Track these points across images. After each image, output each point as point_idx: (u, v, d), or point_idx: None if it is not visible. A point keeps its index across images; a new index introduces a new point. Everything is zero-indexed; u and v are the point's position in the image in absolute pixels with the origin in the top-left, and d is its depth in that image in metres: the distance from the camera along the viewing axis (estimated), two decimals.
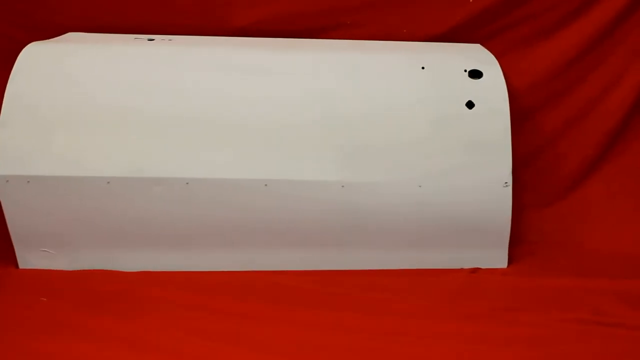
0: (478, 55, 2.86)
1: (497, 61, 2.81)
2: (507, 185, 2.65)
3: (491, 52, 2.88)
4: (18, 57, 2.67)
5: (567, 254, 2.86)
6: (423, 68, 2.75)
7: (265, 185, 2.59)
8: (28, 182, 2.53)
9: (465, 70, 2.75)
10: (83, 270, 2.62)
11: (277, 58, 2.77)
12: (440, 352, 2.20)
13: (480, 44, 2.98)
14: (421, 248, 2.69)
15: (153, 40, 2.86)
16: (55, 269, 2.63)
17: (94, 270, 2.62)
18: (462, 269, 2.70)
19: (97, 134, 2.58)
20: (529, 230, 2.98)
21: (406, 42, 3.01)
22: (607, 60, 3.03)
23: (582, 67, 3.03)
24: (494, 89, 2.73)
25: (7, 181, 2.53)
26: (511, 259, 2.76)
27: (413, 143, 2.66)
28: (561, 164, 3.05)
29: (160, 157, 2.58)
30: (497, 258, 2.73)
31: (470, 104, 2.69)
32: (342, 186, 2.60)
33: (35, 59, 2.69)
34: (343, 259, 2.69)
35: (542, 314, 2.39)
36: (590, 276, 2.65)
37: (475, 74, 2.74)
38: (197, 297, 2.46)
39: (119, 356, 2.13)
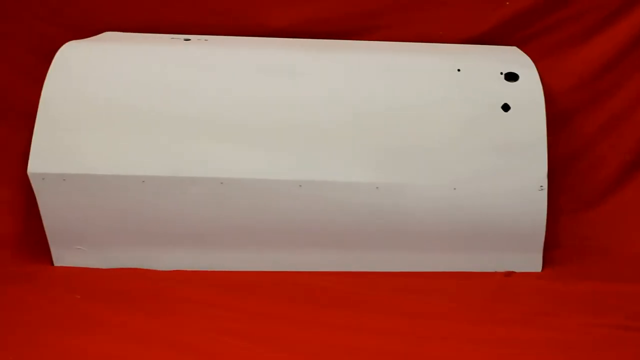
0: (514, 57, 2.85)
1: (533, 64, 2.79)
2: (542, 189, 2.63)
3: (528, 54, 2.86)
4: (55, 56, 2.69)
5: (602, 259, 2.83)
6: (459, 70, 2.74)
7: (300, 186, 2.59)
8: (64, 180, 2.55)
9: (502, 73, 2.74)
10: (117, 268, 2.64)
11: (312, 59, 2.77)
12: (473, 355, 2.19)
13: (517, 47, 2.96)
14: (455, 251, 2.68)
15: (189, 40, 2.87)
16: (89, 266, 2.65)
17: (127, 268, 2.64)
18: (496, 272, 2.69)
19: (133, 133, 2.59)
20: (564, 234, 2.96)
21: (442, 44, 3.00)
22: None
23: (619, 70, 3.00)
24: (530, 91, 2.72)
25: (43, 179, 2.55)
26: (545, 263, 2.74)
27: (448, 145, 2.65)
28: (598, 168, 3.03)
29: (195, 156, 2.59)
30: (531, 262, 2.72)
31: (506, 107, 2.68)
32: (377, 188, 2.60)
33: (72, 58, 2.71)
34: (376, 260, 2.69)
35: (576, 319, 2.36)
36: (625, 281, 2.63)
37: (511, 77, 2.73)
38: (228, 296, 2.46)
39: (151, 354, 2.13)
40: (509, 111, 2.68)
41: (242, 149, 2.60)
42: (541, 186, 2.63)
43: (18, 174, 2.80)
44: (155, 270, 2.62)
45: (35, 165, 2.55)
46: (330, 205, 2.62)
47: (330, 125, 2.65)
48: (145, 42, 2.85)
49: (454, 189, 2.62)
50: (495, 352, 2.19)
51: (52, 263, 2.67)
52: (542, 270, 2.73)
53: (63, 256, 2.66)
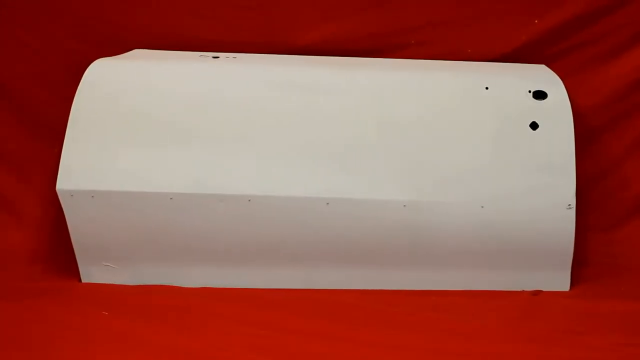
0: (543, 75, 2.84)
1: (562, 82, 2.78)
2: (570, 208, 2.62)
3: (556, 73, 2.85)
4: (85, 73, 2.71)
5: (631, 278, 2.81)
6: (487, 88, 2.74)
7: (327, 203, 2.58)
8: (92, 196, 2.56)
9: (530, 91, 2.73)
10: (144, 285, 2.64)
11: (341, 77, 2.77)
12: None
13: (545, 65, 2.95)
14: (482, 269, 2.67)
15: (218, 57, 2.88)
16: (117, 283, 2.65)
17: (155, 285, 2.64)
18: (523, 291, 2.67)
19: (161, 150, 2.60)
20: (593, 253, 2.94)
21: (470, 62, 3.00)
22: None
23: None
24: (558, 110, 2.71)
25: (72, 195, 2.56)
26: (574, 282, 2.72)
27: (476, 163, 2.64)
28: (626, 186, 3.02)
29: (223, 174, 2.59)
30: (559, 280, 2.70)
31: (534, 125, 2.67)
32: (404, 205, 2.60)
33: (102, 75, 2.72)
34: (403, 278, 2.68)
35: (605, 338, 2.34)
36: None
37: (539, 95, 2.72)
38: (257, 314, 2.46)
39: None
40: (537, 129, 2.67)
41: (269, 167, 2.60)
42: (569, 205, 2.62)
43: (47, 191, 2.82)
44: (183, 287, 2.62)
45: (64, 182, 2.56)
46: (357, 223, 2.61)
47: (357, 142, 2.65)
48: (174, 60, 2.86)
49: (482, 207, 2.61)
50: None
51: (79, 279, 2.67)
52: (570, 289, 2.71)
53: (91, 273, 2.66)
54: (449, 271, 2.67)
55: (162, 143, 2.61)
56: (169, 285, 2.64)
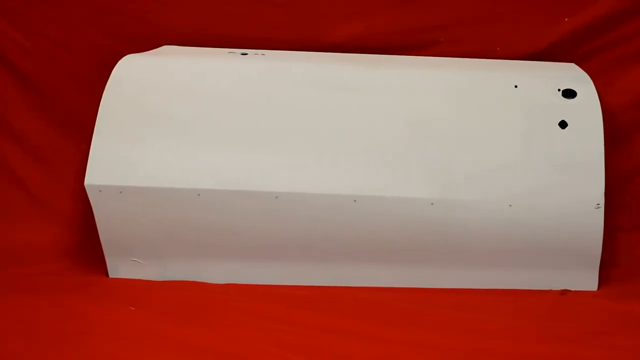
0: (572, 74, 2.83)
1: (591, 81, 2.77)
2: (599, 207, 2.61)
3: (586, 71, 2.84)
4: (114, 69, 2.72)
5: None
6: (516, 86, 2.73)
7: (354, 201, 2.58)
8: (120, 192, 2.57)
9: (559, 90, 2.72)
10: (171, 280, 2.65)
11: (369, 74, 2.77)
12: None
13: (575, 64, 2.94)
14: (510, 268, 2.66)
15: (246, 54, 2.89)
16: (144, 278, 2.66)
17: (182, 281, 2.65)
18: (550, 290, 2.66)
19: (189, 146, 2.61)
20: (621, 253, 2.92)
21: (499, 60, 2.98)
22: None
23: None
24: (588, 109, 2.70)
25: (100, 191, 2.57)
26: (602, 282, 2.71)
27: (504, 161, 2.64)
28: None
29: (250, 170, 2.60)
30: (587, 280, 2.69)
31: (563, 124, 2.66)
32: (432, 204, 2.59)
33: (131, 71, 2.74)
34: (431, 276, 2.68)
35: (633, 339, 2.33)
36: None
37: (568, 94, 2.71)
38: (284, 310, 2.46)
39: None
40: (566, 128, 2.66)
41: (297, 163, 2.61)
42: (598, 204, 2.61)
43: (76, 186, 2.84)
44: (209, 283, 2.63)
45: (93, 177, 2.57)
46: (384, 220, 2.61)
47: (385, 140, 2.65)
48: (203, 56, 2.87)
49: (510, 205, 2.60)
50: None
51: (107, 274, 2.69)
52: (598, 289, 2.70)
53: (118, 268, 2.67)
54: (476, 269, 2.67)
55: (189, 139, 2.62)
56: (195, 281, 2.64)
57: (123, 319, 2.37)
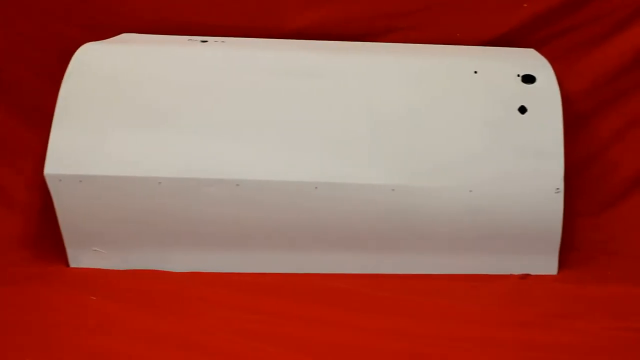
0: (531, 60, 2.84)
1: (550, 66, 2.78)
2: (558, 192, 2.63)
3: (545, 57, 2.85)
4: (73, 57, 2.70)
5: (619, 262, 2.82)
6: (475, 72, 2.74)
7: (316, 188, 2.59)
8: (80, 181, 2.55)
9: (518, 75, 2.73)
10: (133, 269, 2.64)
11: (329, 61, 2.77)
12: (490, 357, 2.18)
13: (534, 49, 2.96)
14: (471, 253, 2.68)
15: (206, 41, 2.88)
16: (105, 268, 2.65)
17: (144, 270, 2.64)
18: (511, 275, 2.68)
19: (150, 135, 2.60)
20: (581, 237, 2.95)
21: (459, 46, 2.99)
22: None
23: (637, 72, 2.99)
24: (547, 94, 2.71)
25: (60, 180, 2.55)
26: (562, 266, 2.73)
27: (464, 147, 2.65)
28: (614, 171, 3.02)
29: (211, 158, 2.60)
30: (547, 264, 2.71)
31: (522, 109, 2.67)
32: (393, 190, 2.60)
33: (90, 59, 2.72)
34: (392, 263, 2.68)
35: (593, 322, 2.36)
36: None
37: (528, 79, 2.73)
38: (247, 298, 2.46)
39: (166, 355, 2.13)
40: (526, 113, 2.67)
41: (258, 151, 2.61)
42: (557, 189, 2.63)
43: (35, 176, 2.82)
44: (172, 272, 2.62)
45: (52, 166, 2.55)
46: (346, 207, 2.61)
47: (346, 127, 2.65)
48: (162, 44, 2.85)
49: (470, 191, 2.62)
50: (512, 355, 2.19)
51: (67, 264, 2.67)
52: (558, 273, 2.72)
53: (79, 257, 2.66)
54: (437, 255, 2.68)
55: (150, 127, 2.61)
56: (157, 270, 2.63)
57: (84, 308, 2.37)
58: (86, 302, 2.40)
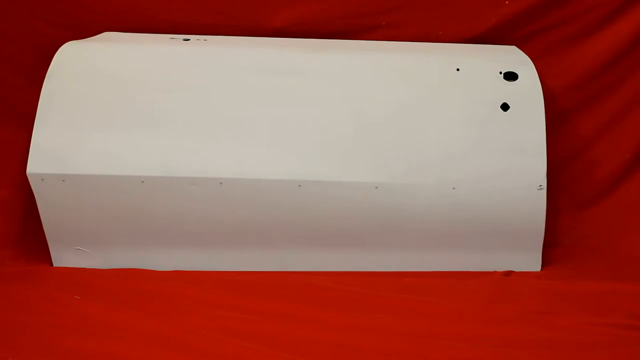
0: (513, 57, 2.85)
1: (532, 63, 2.79)
2: (541, 188, 2.63)
3: (527, 54, 2.86)
4: (54, 56, 2.70)
5: (602, 258, 2.84)
6: (458, 70, 2.75)
7: (299, 186, 2.59)
8: (63, 180, 2.55)
9: (501, 73, 2.74)
10: (117, 269, 2.64)
11: (312, 59, 2.77)
12: (473, 354, 2.18)
13: (516, 46, 2.96)
14: (454, 250, 2.69)
15: (188, 40, 2.87)
16: (89, 267, 2.64)
17: (127, 269, 2.63)
18: (495, 272, 2.69)
19: (132, 134, 2.59)
20: (564, 233, 2.97)
21: (441, 43, 3.00)
22: None
23: (619, 69, 3.01)
24: (529, 91, 2.72)
25: (42, 179, 2.54)
26: (545, 263, 2.74)
27: (446, 145, 2.65)
28: (597, 167, 3.03)
29: (194, 157, 2.59)
30: (530, 261, 2.72)
31: (505, 106, 2.68)
32: (376, 187, 2.60)
33: (72, 58, 2.71)
34: (375, 260, 2.69)
35: (576, 318, 2.36)
36: (625, 280, 2.62)
37: (510, 76, 2.73)
38: (230, 296, 2.46)
39: (151, 354, 2.12)
40: (508, 110, 2.68)
41: (241, 149, 2.60)
42: (540, 185, 2.63)
43: (17, 175, 2.81)
44: (155, 271, 2.62)
45: (35, 165, 2.55)
46: (329, 205, 2.62)
47: (329, 124, 2.65)
48: (144, 42, 2.85)
49: (453, 188, 2.62)
50: (496, 352, 2.19)
51: (51, 263, 2.66)
52: (541, 270, 2.74)
53: (62, 257, 2.66)
54: (420, 252, 2.69)
55: (133, 126, 2.60)
56: (140, 269, 2.63)
57: (68, 307, 2.36)
58: (70, 301, 2.39)
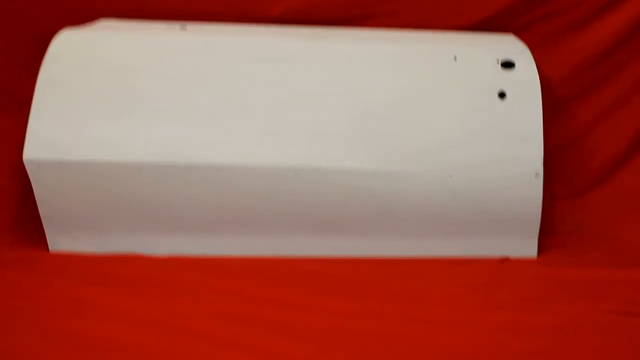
0: (511, 45, 2.85)
1: (530, 52, 2.79)
2: (538, 176, 2.64)
3: (524, 42, 2.86)
4: (51, 43, 2.70)
5: (599, 245, 2.83)
6: (455, 58, 2.75)
7: (296, 173, 2.59)
8: (60, 166, 2.55)
9: (498, 61, 2.74)
10: (113, 253, 2.64)
11: (307, 47, 2.77)
12: (470, 340, 2.18)
13: (514, 35, 2.96)
14: (450, 237, 2.69)
15: (185, 27, 2.87)
16: (85, 252, 2.64)
17: (124, 254, 2.64)
18: (491, 258, 2.69)
19: (129, 120, 2.60)
20: (560, 221, 2.96)
21: (439, 32, 2.99)
22: None
23: (617, 58, 3.00)
24: (526, 79, 2.72)
25: (39, 166, 2.55)
26: (541, 249, 2.74)
27: (444, 132, 2.65)
28: (594, 156, 3.03)
29: (191, 143, 2.60)
30: (527, 248, 2.72)
31: (502, 94, 2.68)
32: (373, 175, 2.60)
33: (68, 45, 2.71)
34: (372, 246, 2.69)
35: (573, 304, 2.36)
36: (622, 267, 2.62)
37: (507, 65, 2.74)
38: (227, 282, 2.46)
39: (148, 339, 2.12)
40: (505, 99, 2.68)
41: (238, 137, 2.61)
42: (537, 173, 2.64)
43: (14, 161, 2.80)
44: (151, 256, 2.62)
45: (31, 152, 2.55)
46: (326, 192, 2.62)
47: (325, 112, 2.65)
48: (141, 30, 2.85)
49: (450, 176, 2.63)
50: (493, 337, 2.19)
51: (47, 249, 2.67)
52: (537, 256, 2.74)
53: (59, 242, 2.66)
54: (417, 239, 2.69)
55: (130, 113, 2.61)
56: (136, 254, 2.63)
57: (65, 292, 2.36)
58: (66, 285, 2.39)
